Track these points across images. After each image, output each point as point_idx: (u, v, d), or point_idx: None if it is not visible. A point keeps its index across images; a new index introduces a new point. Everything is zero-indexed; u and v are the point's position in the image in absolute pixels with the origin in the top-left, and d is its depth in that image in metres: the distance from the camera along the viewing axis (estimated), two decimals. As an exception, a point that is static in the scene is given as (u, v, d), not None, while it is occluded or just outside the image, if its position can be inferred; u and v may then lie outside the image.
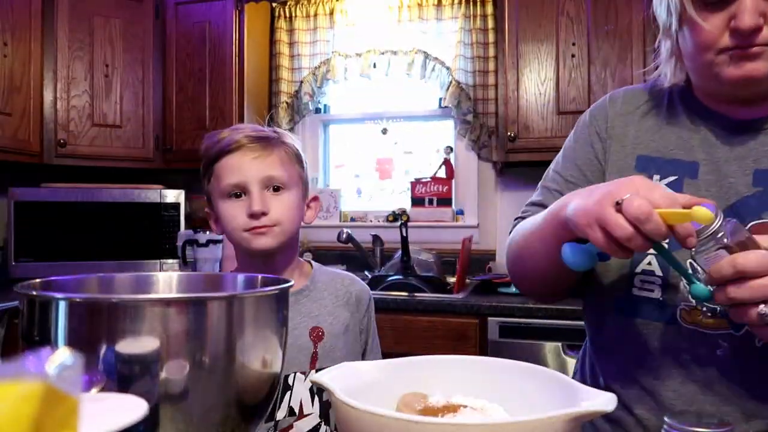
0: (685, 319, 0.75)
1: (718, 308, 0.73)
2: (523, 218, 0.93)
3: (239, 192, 0.99)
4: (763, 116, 0.78)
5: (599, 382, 0.86)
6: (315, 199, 1.11)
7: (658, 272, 0.77)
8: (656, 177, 0.81)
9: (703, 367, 0.74)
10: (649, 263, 0.78)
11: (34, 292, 0.57)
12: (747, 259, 0.58)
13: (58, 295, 0.55)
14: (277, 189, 0.99)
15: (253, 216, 0.96)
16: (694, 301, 0.75)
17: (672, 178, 0.80)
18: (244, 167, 0.99)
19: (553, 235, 0.72)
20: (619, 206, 0.59)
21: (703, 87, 0.82)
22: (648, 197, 0.59)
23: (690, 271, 0.68)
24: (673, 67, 0.83)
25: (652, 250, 0.74)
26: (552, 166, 0.96)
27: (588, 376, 0.90)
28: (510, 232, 0.94)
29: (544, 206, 0.86)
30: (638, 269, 0.79)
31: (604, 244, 0.61)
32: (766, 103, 0.78)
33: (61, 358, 0.26)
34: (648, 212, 0.58)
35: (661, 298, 0.77)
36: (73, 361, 0.26)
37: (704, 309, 0.74)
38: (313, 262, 1.13)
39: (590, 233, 0.62)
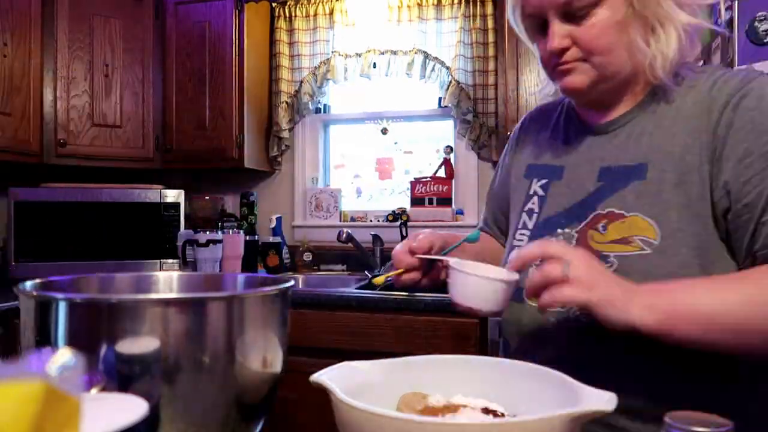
0: (530, 299, 0.88)
1: None
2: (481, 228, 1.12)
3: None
4: (612, 119, 0.88)
5: None
6: None
7: None
8: (535, 180, 0.96)
9: (540, 333, 0.86)
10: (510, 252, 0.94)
11: (34, 292, 0.57)
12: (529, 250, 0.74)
13: (58, 295, 0.55)
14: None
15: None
16: None
17: (544, 181, 0.94)
18: None
19: None
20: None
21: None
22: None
23: None
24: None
25: (518, 244, 0.94)
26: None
27: None
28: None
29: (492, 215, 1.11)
30: (506, 260, 0.93)
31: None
32: (613, 108, 0.88)
33: (62, 358, 0.26)
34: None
35: (521, 285, 0.87)
36: (74, 362, 0.26)
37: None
38: None
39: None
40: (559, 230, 0.87)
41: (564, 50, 0.82)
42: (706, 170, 0.77)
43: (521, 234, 0.93)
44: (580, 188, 0.88)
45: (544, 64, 0.88)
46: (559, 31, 0.82)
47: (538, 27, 0.86)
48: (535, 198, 0.94)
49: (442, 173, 2.75)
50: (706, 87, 0.81)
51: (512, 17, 0.91)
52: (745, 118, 0.76)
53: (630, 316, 0.67)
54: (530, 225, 0.92)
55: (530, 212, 0.94)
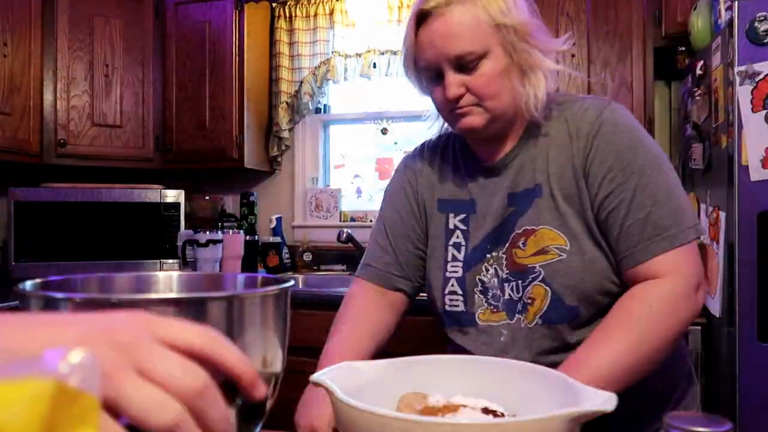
0: (482, 319, 0.99)
1: (499, 305, 0.97)
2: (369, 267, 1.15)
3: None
4: (502, 157, 1.00)
5: None
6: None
7: (459, 291, 1.01)
8: (452, 215, 1.05)
9: (493, 351, 0.95)
10: (452, 284, 1.01)
11: (34, 292, 0.57)
12: None
13: (58, 295, 0.55)
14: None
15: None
16: (485, 305, 1.00)
17: (462, 216, 1.04)
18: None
19: None
20: None
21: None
22: None
23: None
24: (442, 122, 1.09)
25: (452, 275, 1.02)
26: (379, 212, 1.17)
27: None
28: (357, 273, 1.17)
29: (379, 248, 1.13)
30: (446, 290, 1.02)
31: None
32: (501, 143, 1.00)
33: (75, 357, 0.26)
34: None
35: (464, 310, 1.00)
36: (89, 360, 0.26)
37: (492, 307, 0.98)
38: None
39: None
40: (488, 255, 0.99)
41: (459, 97, 0.93)
42: (582, 185, 0.93)
43: (453, 266, 1.02)
44: (495, 215, 0.99)
45: (440, 108, 1.00)
46: (454, 81, 0.93)
47: (433, 77, 0.97)
48: (458, 232, 1.04)
49: (442, 173, 2.75)
50: (571, 118, 0.96)
51: (406, 71, 1.02)
52: (605, 140, 0.92)
53: None
54: (460, 257, 1.02)
55: (457, 246, 1.03)
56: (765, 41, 1.55)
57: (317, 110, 2.95)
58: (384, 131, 2.89)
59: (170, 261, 2.53)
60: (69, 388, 0.25)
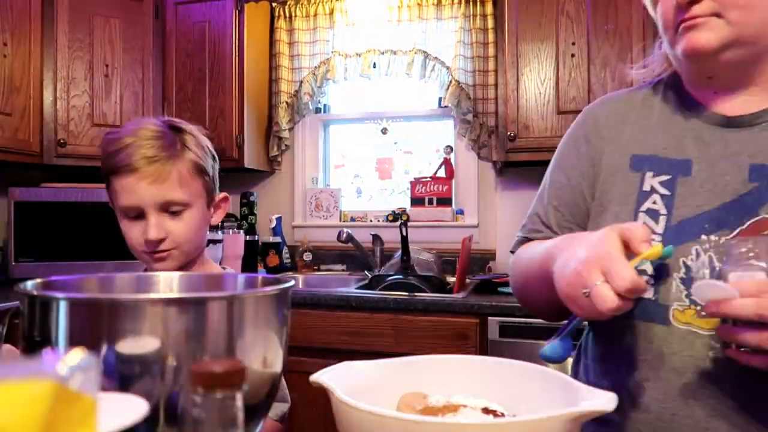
0: (678, 320, 0.74)
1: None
2: (525, 238, 0.96)
3: (137, 214, 0.97)
4: (755, 111, 0.78)
5: (590, 379, 0.85)
6: (225, 199, 1.10)
7: (650, 271, 0.77)
8: (649, 174, 0.82)
9: (695, 369, 0.72)
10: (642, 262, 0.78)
11: (35, 292, 0.57)
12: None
13: (59, 295, 0.55)
14: (175, 212, 0.97)
15: (150, 242, 0.96)
16: (687, 301, 0.75)
17: (665, 177, 0.80)
18: (140, 191, 0.95)
19: (548, 282, 0.73)
20: (587, 295, 0.63)
21: (684, 77, 0.84)
22: (607, 270, 0.62)
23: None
24: (661, 63, 0.88)
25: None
26: (548, 169, 0.98)
27: (581, 374, 0.89)
28: (513, 247, 0.98)
29: (539, 217, 0.94)
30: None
31: (581, 315, 0.67)
32: (746, 93, 0.78)
33: (74, 359, 0.26)
34: (608, 307, 0.61)
35: (653, 298, 0.76)
36: (88, 362, 0.26)
37: (698, 308, 0.73)
38: (213, 264, 1.14)
39: (570, 305, 0.67)
40: (704, 236, 0.74)
41: (693, 2, 0.72)
42: None
43: None
44: (724, 189, 0.75)
45: (666, 24, 0.77)
46: None
47: None
48: (656, 196, 0.80)
49: (442, 173, 2.75)
50: None
51: None
52: None
53: None
54: (659, 229, 0.78)
55: (653, 213, 0.79)
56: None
57: (317, 110, 2.95)
58: (384, 131, 2.89)
59: (170, 261, 2.52)
60: (68, 389, 0.25)
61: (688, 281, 0.74)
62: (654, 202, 0.80)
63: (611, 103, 0.92)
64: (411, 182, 2.77)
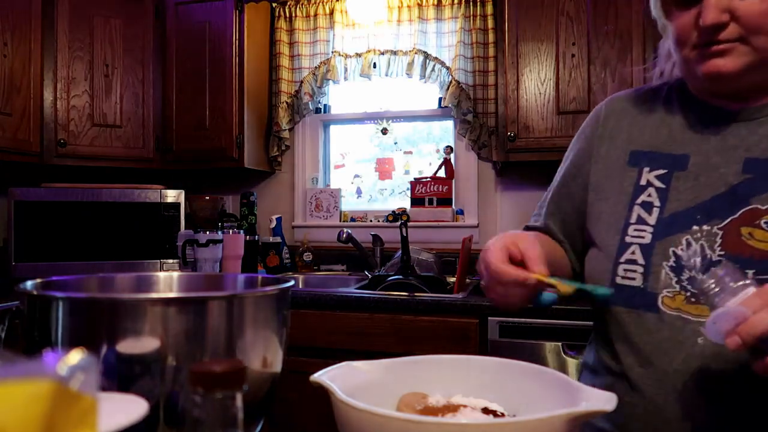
0: (669, 306, 0.75)
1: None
2: (528, 227, 1.01)
3: None
4: (755, 106, 0.79)
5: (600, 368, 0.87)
6: None
7: (641, 260, 0.78)
8: (646, 169, 0.84)
9: (686, 354, 0.73)
10: (633, 252, 0.80)
11: (35, 292, 0.57)
12: None
13: (59, 295, 0.55)
14: None
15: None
16: (678, 287, 0.77)
17: (661, 171, 0.82)
18: None
19: None
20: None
21: (689, 83, 0.85)
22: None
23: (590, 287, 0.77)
24: (670, 66, 0.87)
25: (635, 239, 0.81)
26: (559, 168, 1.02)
27: (592, 364, 0.91)
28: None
29: (539, 209, 1.00)
30: (622, 258, 0.80)
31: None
32: (757, 95, 0.79)
33: (74, 359, 0.26)
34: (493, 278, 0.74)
35: (642, 286, 0.78)
36: (87, 363, 0.27)
37: (688, 294, 0.74)
38: None
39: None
40: (695, 227, 0.76)
41: (719, 26, 0.72)
42: None
43: (639, 230, 0.80)
44: (718, 181, 0.77)
45: (681, 41, 0.76)
46: (718, 3, 0.71)
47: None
48: (651, 189, 0.81)
49: (442, 173, 2.75)
50: None
51: None
52: None
53: None
54: (651, 220, 0.79)
55: (647, 205, 0.81)
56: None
57: (317, 110, 2.95)
58: (384, 131, 2.89)
59: (170, 261, 2.53)
60: (68, 389, 0.25)
61: (678, 269, 0.76)
62: (649, 195, 0.82)
63: (615, 101, 0.94)
64: (411, 182, 2.77)
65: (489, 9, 2.61)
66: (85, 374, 0.26)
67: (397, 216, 2.75)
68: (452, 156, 2.77)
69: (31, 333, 0.56)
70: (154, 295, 0.73)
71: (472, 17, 2.62)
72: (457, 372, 0.68)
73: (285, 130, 2.87)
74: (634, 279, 0.78)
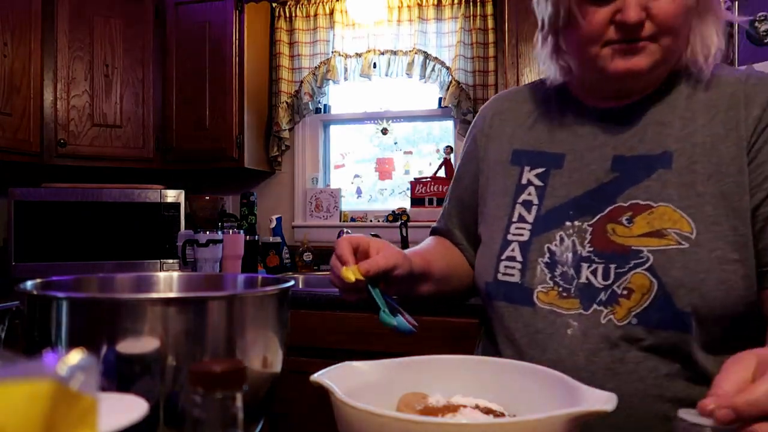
0: (543, 300, 0.79)
1: (572, 288, 0.78)
2: (433, 230, 1.07)
3: None
4: (625, 104, 0.82)
5: None
6: None
7: (519, 257, 0.82)
8: (527, 168, 0.87)
9: (557, 345, 0.77)
10: (512, 249, 0.83)
11: (35, 292, 0.57)
12: None
13: (60, 295, 0.55)
14: None
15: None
16: (551, 283, 0.80)
17: (540, 170, 0.86)
18: None
19: None
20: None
21: (587, 81, 0.85)
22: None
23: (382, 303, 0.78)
24: (555, 64, 0.85)
25: (515, 238, 0.84)
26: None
27: None
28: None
29: (442, 210, 1.05)
30: (503, 256, 0.84)
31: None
32: (631, 95, 0.82)
33: (74, 359, 0.26)
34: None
35: (520, 282, 0.81)
36: (87, 363, 0.27)
37: (560, 289, 0.78)
38: None
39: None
40: (568, 223, 0.80)
41: (639, 24, 0.72)
42: (744, 164, 0.73)
43: (519, 228, 0.84)
44: (589, 178, 0.81)
45: (594, 39, 0.76)
46: (639, 1, 0.72)
47: None
48: (531, 188, 0.85)
49: (442, 173, 2.75)
50: (739, 80, 0.77)
51: None
52: None
53: None
54: (530, 218, 0.83)
55: (527, 204, 0.85)
56: (765, 41, 1.55)
57: (317, 110, 2.95)
58: (384, 131, 2.89)
59: (170, 261, 2.53)
60: (68, 389, 0.25)
61: (552, 265, 0.79)
62: (529, 194, 0.85)
63: (499, 100, 0.98)
64: (411, 182, 2.77)
65: (489, 9, 2.61)
66: (85, 374, 0.26)
67: (397, 216, 2.75)
68: (452, 156, 2.77)
69: (31, 333, 0.56)
70: (154, 295, 0.73)
71: (472, 17, 2.62)
72: (457, 372, 0.68)
73: (285, 130, 2.87)
74: (513, 275, 0.82)
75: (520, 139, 0.90)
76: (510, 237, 0.84)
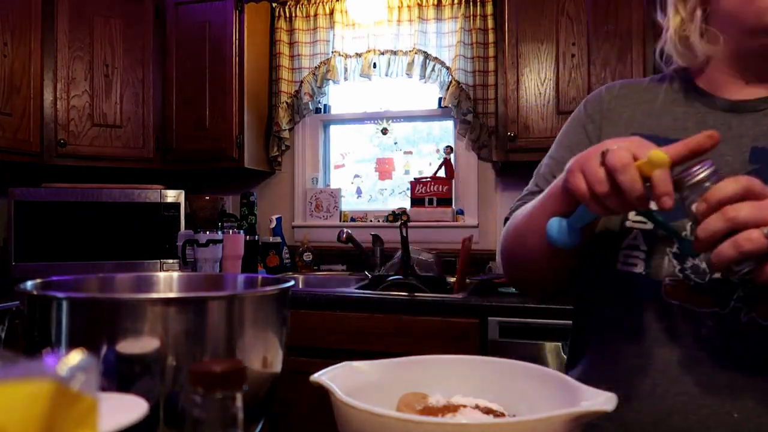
0: (670, 295, 0.74)
1: (704, 283, 0.72)
2: (518, 208, 0.92)
3: None
4: (760, 97, 0.78)
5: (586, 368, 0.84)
6: None
7: (643, 246, 0.77)
8: None
9: (688, 345, 0.72)
10: (635, 237, 0.77)
11: (35, 292, 0.57)
12: (737, 209, 0.56)
13: (60, 295, 0.55)
14: None
15: None
16: (681, 275, 0.73)
17: None
18: None
19: (553, 204, 0.71)
20: (604, 156, 0.59)
21: (742, 49, 0.79)
22: (635, 150, 0.59)
23: (684, 232, 0.69)
24: (701, 41, 0.80)
25: (636, 224, 0.76)
26: (546, 155, 0.97)
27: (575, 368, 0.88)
28: (504, 225, 0.94)
29: (539, 192, 0.88)
30: (623, 244, 0.78)
31: (581, 192, 0.62)
32: (762, 85, 0.79)
33: (74, 359, 0.26)
34: (625, 163, 0.58)
35: (644, 273, 0.76)
36: (87, 363, 0.27)
37: (692, 284, 0.72)
38: None
39: (571, 179, 0.63)
40: None
41: None
42: None
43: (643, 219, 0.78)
44: (724, 169, 0.73)
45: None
46: None
47: None
48: None
49: (442, 173, 2.75)
50: None
51: None
52: None
53: None
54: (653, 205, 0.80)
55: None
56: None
57: (317, 110, 2.95)
58: (384, 131, 2.89)
59: (170, 261, 2.53)
60: (68, 389, 0.25)
61: (681, 257, 0.74)
62: None
63: (617, 87, 0.92)
64: (411, 182, 2.77)
65: (489, 9, 2.61)
66: (85, 374, 0.26)
67: (397, 216, 2.75)
68: (452, 156, 2.77)
69: (31, 333, 0.56)
70: (154, 295, 0.73)
71: (472, 17, 2.62)
72: (457, 372, 0.68)
73: (285, 130, 2.87)
74: (635, 266, 0.76)
75: (640, 123, 0.84)
76: (629, 223, 0.78)
